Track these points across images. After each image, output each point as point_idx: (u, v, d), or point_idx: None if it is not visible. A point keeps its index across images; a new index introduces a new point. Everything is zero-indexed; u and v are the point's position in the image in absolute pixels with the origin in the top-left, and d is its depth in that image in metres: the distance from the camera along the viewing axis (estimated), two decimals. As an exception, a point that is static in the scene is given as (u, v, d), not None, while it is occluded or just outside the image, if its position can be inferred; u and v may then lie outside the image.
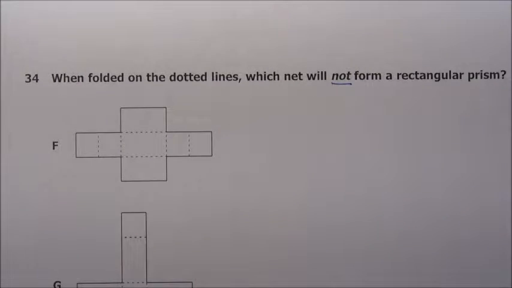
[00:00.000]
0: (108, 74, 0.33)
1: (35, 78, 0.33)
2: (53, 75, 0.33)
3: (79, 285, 0.33)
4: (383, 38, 0.33)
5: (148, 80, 0.33)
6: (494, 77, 0.33)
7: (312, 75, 0.33)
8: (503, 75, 0.33)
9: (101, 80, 0.33)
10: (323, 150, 0.33)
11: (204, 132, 0.33)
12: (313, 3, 0.33)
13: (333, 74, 0.33)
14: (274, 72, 0.33)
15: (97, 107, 0.33)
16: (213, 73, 0.33)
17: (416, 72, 0.33)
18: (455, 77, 0.33)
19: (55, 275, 0.33)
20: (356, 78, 0.33)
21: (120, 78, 0.33)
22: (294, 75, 0.33)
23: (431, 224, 0.33)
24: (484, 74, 0.33)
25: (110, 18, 0.33)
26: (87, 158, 0.33)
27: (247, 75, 0.33)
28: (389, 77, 0.33)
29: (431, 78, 0.33)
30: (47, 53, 0.33)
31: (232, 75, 0.33)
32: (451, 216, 0.33)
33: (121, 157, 0.33)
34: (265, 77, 0.33)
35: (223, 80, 0.33)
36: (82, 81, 0.33)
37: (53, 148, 0.32)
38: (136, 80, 0.33)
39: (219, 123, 0.33)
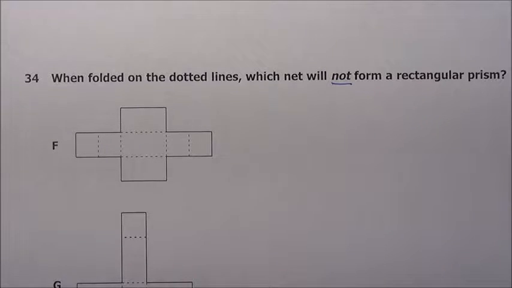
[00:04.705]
0: (108, 74, 0.33)
1: (35, 78, 0.33)
2: (53, 75, 0.33)
3: (79, 285, 0.33)
4: (383, 38, 0.33)
5: (148, 80, 0.33)
6: (494, 77, 0.33)
7: (312, 75, 0.33)
8: (503, 75, 0.33)
9: (101, 80, 0.33)
10: (323, 150, 0.33)
11: (204, 132, 0.33)
12: (313, 3, 0.33)
13: (333, 74, 0.33)
14: (274, 72, 0.33)
15: (97, 107, 0.33)
16: (213, 73, 0.33)
17: (416, 72, 0.33)
18: (455, 77, 0.33)
19: (55, 275, 0.33)
20: (356, 78, 0.33)
21: (120, 78, 0.33)
22: (294, 75, 0.33)
23: (431, 227, 0.33)
24: (484, 74, 0.33)
25: (109, 18, 0.33)
26: (87, 158, 0.33)
27: (247, 75, 0.33)
28: (389, 77, 0.33)
29: (431, 78, 0.33)
30: (47, 53, 0.33)
31: (232, 75, 0.33)
32: (451, 218, 0.33)
33: (121, 157, 0.33)
34: (265, 77, 0.33)
35: (223, 80, 0.33)
36: (82, 81, 0.33)
37: (53, 148, 0.32)
38: (137, 80, 0.33)
39: (219, 123, 0.33)
